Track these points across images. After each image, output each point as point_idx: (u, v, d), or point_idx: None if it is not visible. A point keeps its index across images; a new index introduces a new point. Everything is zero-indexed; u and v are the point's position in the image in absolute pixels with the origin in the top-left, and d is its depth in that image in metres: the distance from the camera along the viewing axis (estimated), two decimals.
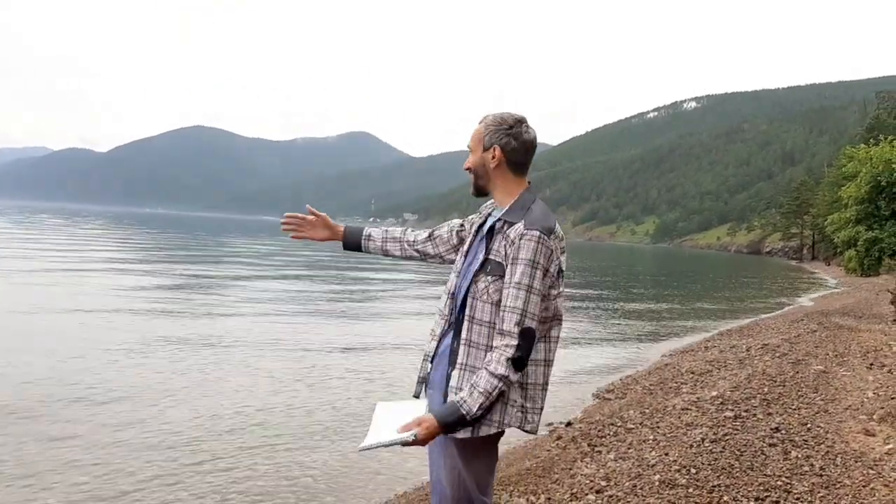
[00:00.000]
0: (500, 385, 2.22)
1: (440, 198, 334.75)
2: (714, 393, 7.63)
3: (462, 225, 2.70)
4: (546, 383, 2.38)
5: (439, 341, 2.48)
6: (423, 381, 2.52)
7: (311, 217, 2.73)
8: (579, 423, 6.83)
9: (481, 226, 2.52)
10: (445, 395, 2.34)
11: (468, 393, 2.22)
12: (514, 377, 2.24)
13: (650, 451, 5.49)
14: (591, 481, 4.84)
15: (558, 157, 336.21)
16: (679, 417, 6.59)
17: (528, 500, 4.61)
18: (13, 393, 7.10)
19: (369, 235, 2.78)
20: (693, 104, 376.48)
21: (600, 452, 5.64)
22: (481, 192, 2.48)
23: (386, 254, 2.78)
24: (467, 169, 2.48)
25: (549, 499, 4.58)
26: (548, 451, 5.88)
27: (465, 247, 2.54)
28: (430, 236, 2.76)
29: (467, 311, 2.34)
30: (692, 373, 9.34)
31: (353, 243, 2.76)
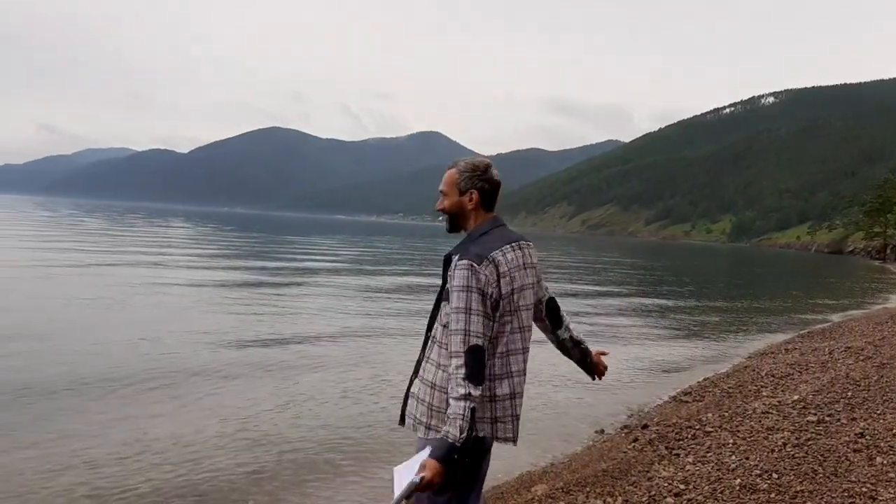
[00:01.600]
0: (466, 403, 2.37)
1: (508, 195, 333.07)
2: (795, 397, 7.46)
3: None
4: (514, 393, 2.57)
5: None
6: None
7: None
8: (656, 426, 6.79)
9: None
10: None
11: (447, 424, 2.38)
12: (475, 392, 2.39)
13: (730, 455, 5.43)
14: (670, 484, 4.83)
15: (630, 155, 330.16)
16: (759, 421, 6.48)
17: (604, 501, 4.63)
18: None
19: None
20: (771, 99, 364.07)
21: (678, 455, 5.61)
22: (455, 229, 2.72)
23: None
24: (441, 210, 2.71)
25: (627, 501, 4.60)
26: (624, 452, 5.87)
27: None
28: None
29: (432, 332, 2.65)
30: (772, 376, 9.13)
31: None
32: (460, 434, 2.35)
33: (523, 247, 2.67)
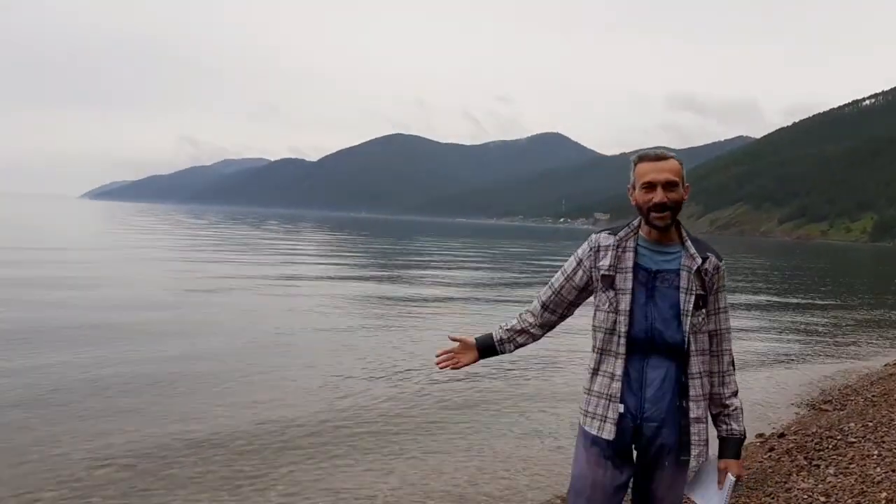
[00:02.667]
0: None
1: None
2: None
3: (578, 267, 2.60)
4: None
5: (626, 378, 2.44)
6: (616, 421, 2.45)
7: (457, 345, 2.75)
8: (793, 435, 6.50)
9: (634, 254, 2.50)
10: (686, 426, 2.43)
11: (734, 422, 2.53)
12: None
13: (875, 468, 5.14)
14: (809, 497, 4.64)
15: (761, 151, 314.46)
16: None
17: None
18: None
19: (500, 339, 2.71)
20: None
21: (818, 466, 5.36)
22: (669, 227, 2.45)
23: (521, 346, 2.73)
24: (667, 202, 2.40)
25: None
26: (759, 462, 5.68)
27: (630, 283, 2.46)
28: (544, 307, 2.67)
29: (693, 347, 2.42)
30: None
31: (488, 351, 2.73)
32: (744, 430, 2.56)
33: None
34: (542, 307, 2.67)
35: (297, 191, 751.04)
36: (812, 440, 6.15)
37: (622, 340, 2.43)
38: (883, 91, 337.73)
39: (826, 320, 16.84)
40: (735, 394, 2.53)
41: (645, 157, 2.45)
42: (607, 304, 2.48)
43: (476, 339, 2.75)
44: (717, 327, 2.49)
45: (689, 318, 2.39)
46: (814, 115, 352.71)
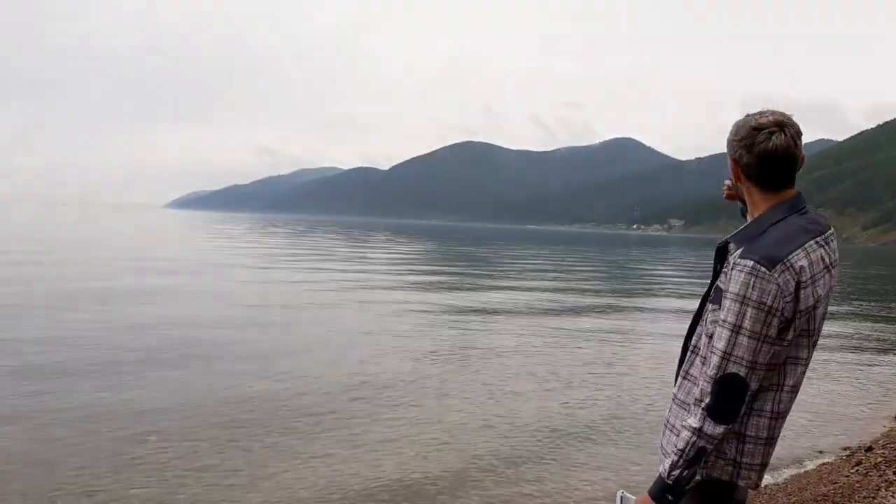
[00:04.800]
0: (694, 440, 1.95)
1: (708, 202, 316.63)
2: None
3: None
4: (772, 438, 2.04)
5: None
6: None
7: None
8: (882, 449, 6.42)
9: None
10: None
11: (665, 456, 2.04)
12: (711, 430, 1.93)
13: None
14: None
15: (844, 154, 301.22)
16: None
17: None
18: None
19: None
20: None
21: None
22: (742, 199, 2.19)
23: None
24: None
25: None
26: (846, 476, 5.65)
27: None
28: None
29: (693, 340, 2.15)
30: None
31: None
32: (670, 471, 1.98)
33: (830, 240, 2.03)
34: None
35: (369, 199, 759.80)
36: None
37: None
38: None
39: None
40: (690, 429, 1.96)
41: None
42: None
43: None
44: (715, 342, 1.97)
45: (700, 304, 2.15)
46: None
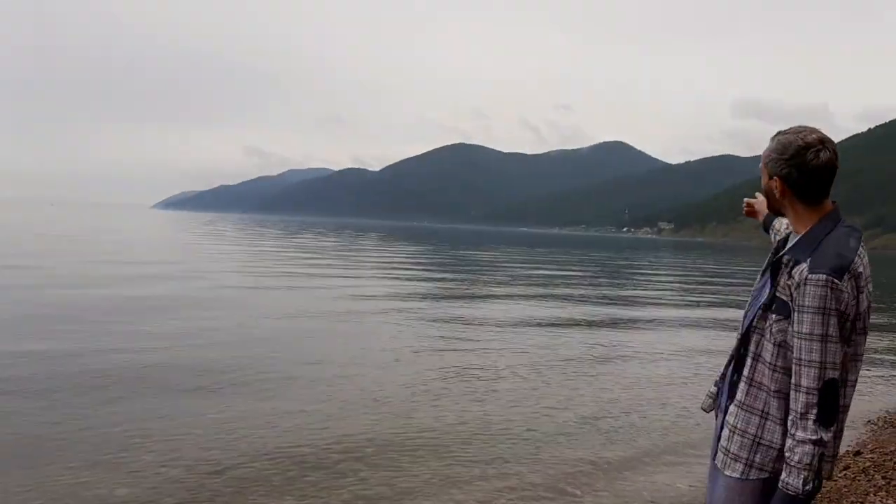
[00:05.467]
0: (818, 451, 2.05)
1: (697, 206, 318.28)
2: None
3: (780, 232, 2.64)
4: (841, 430, 2.22)
5: (726, 368, 2.46)
6: (712, 397, 2.53)
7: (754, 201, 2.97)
8: (870, 453, 6.37)
9: (774, 253, 2.38)
10: (722, 427, 2.36)
11: (788, 474, 2.09)
12: (827, 436, 2.06)
13: None
14: None
15: None
16: None
17: None
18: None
19: (771, 224, 2.82)
20: None
21: None
22: (778, 213, 2.39)
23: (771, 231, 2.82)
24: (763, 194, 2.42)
25: None
26: (834, 481, 5.58)
27: (760, 273, 2.42)
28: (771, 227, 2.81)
29: (752, 348, 2.27)
30: None
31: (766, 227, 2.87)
32: (803, 486, 2.05)
33: (863, 242, 2.24)
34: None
35: (360, 200, 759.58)
36: (891, 459, 6.03)
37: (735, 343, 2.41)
38: None
39: None
40: (804, 442, 2.06)
41: None
42: None
43: (765, 216, 2.93)
44: (797, 355, 2.10)
45: (757, 309, 2.27)
46: (891, 121, 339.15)
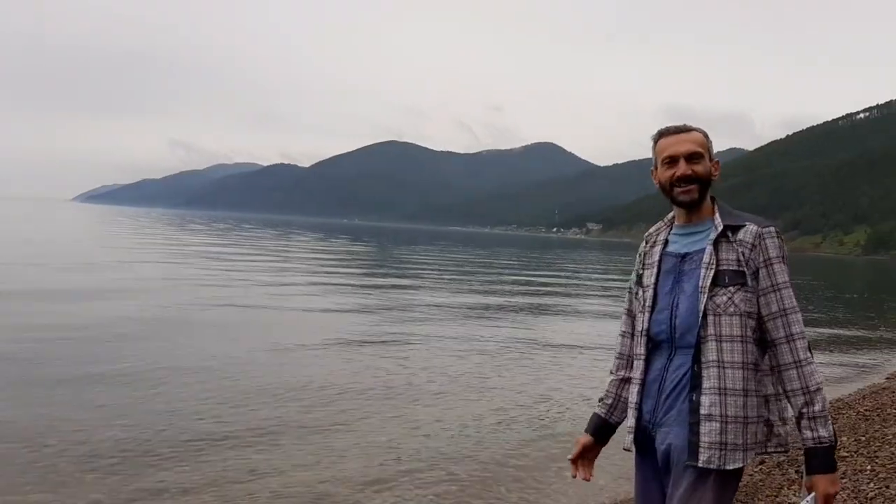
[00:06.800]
0: (825, 394, 2.13)
1: (625, 207, 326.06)
2: None
3: (636, 282, 2.38)
4: None
5: (644, 381, 2.26)
6: (634, 430, 2.28)
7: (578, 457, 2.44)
8: None
9: (663, 246, 2.31)
10: (696, 424, 2.11)
11: (818, 426, 2.07)
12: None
13: (868, 483, 5.10)
14: None
15: (755, 163, 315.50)
16: None
17: None
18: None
19: (607, 420, 2.44)
20: None
21: None
22: (699, 203, 2.25)
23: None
24: (691, 176, 2.22)
25: None
26: (749, 475, 5.61)
27: (653, 277, 2.28)
28: (622, 336, 2.46)
29: (711, 330, 2.11)
30: None
31: (605, 436, 2.46)
32: (833, 433, 2.11)
33: None
34: (622, 335, 2.45)
35: (290, 197, 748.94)
36: (803, 454, 6.08)
37: (642, 340, 2.27)
38: (878, 104, 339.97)
39: (817, 330, 16.82)
40: (819, 389, 2.10)
41: (665, 132, 2.28)
42: (640, 304, 2.33)
43: (587, 437, 2.43)
44: (779, 308, 2.12)
45: (705, 294, 2.12)
46: (808, 128, 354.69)
